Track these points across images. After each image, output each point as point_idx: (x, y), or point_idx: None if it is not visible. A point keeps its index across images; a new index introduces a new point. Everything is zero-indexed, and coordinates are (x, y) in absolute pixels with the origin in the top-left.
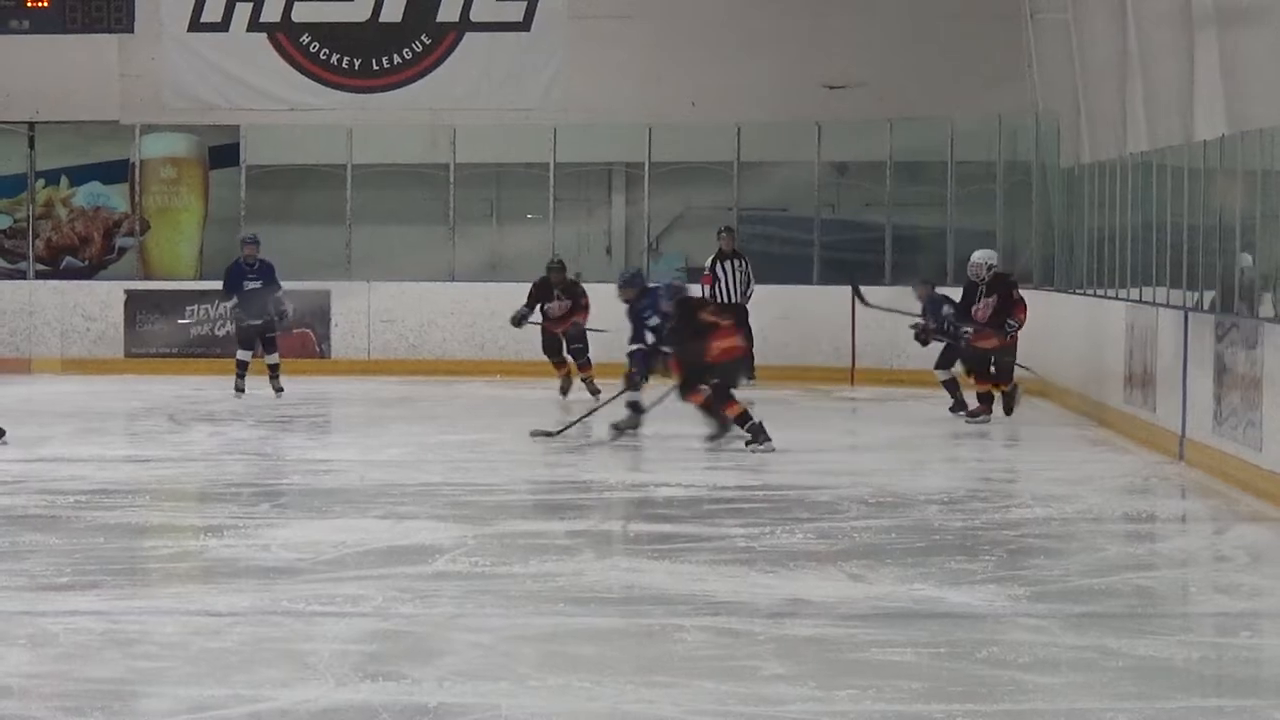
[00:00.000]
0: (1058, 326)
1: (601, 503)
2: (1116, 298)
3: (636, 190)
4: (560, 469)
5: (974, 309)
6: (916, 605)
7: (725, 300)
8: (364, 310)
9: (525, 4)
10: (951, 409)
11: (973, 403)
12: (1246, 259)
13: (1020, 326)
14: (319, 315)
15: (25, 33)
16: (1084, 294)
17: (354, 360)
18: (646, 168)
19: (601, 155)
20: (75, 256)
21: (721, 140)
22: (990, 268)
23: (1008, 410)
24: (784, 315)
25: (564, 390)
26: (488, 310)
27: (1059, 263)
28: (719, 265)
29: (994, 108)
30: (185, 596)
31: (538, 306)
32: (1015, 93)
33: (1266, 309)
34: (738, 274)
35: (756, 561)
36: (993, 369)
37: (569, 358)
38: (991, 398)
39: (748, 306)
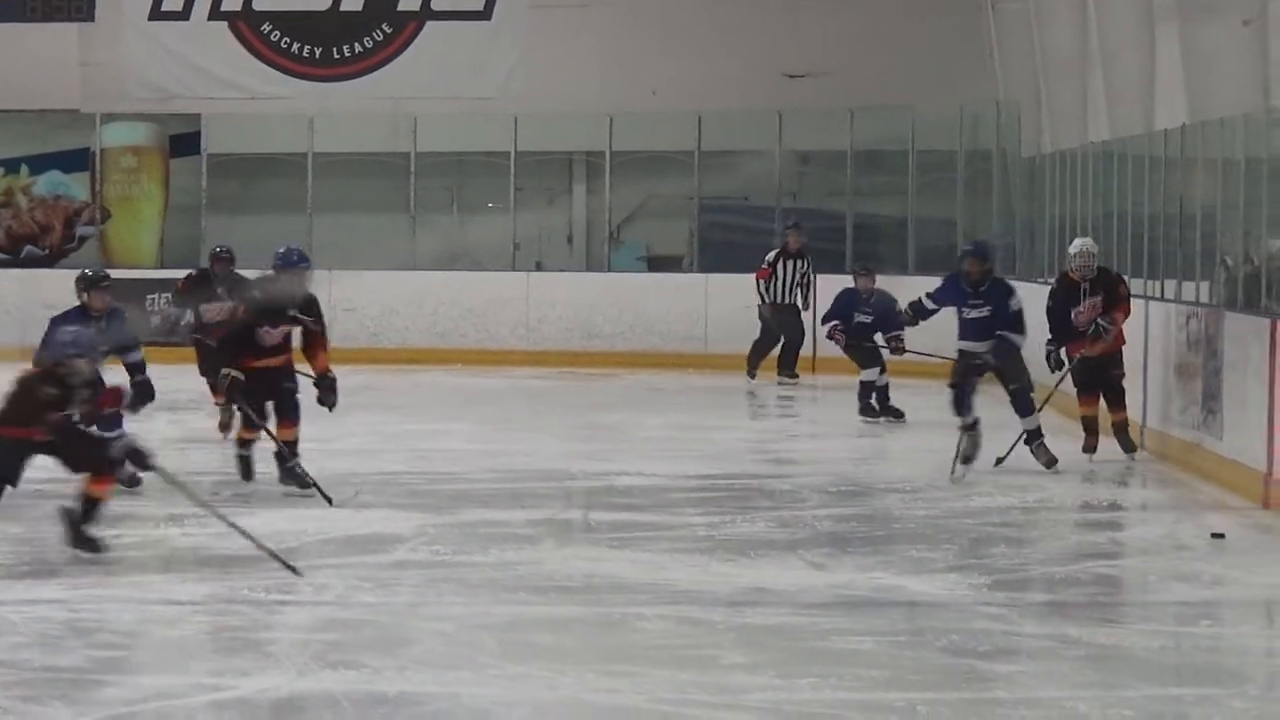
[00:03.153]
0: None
1: (562, 491)
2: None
3: (598, 179)
4: (521, 458)
5: (1074, 311)
6: (877, 594)
7: (779, 300)
8: (325, 299)
9: None
10: (862, 412)
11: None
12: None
13: (1116, 327)
14: None
15: None
16: (1045, 283)
17: None
18: (608, 157)
19: (563, 144)
20: (36, 245)
21: (683, 129)
22: (1094, 256)
23: (1127, 447)
24: (747, 304)
25: (224, 426)
26: (449, 299)
27: (1020, 251)
28: (781, 262)
29: (955, 97)
30: (146, 585)
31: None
32: (977, 82)
33: (1224, 296)
34: (796, 274)
35: (717, 550)
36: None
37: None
38: (1093, 421)
39: (799, 305)
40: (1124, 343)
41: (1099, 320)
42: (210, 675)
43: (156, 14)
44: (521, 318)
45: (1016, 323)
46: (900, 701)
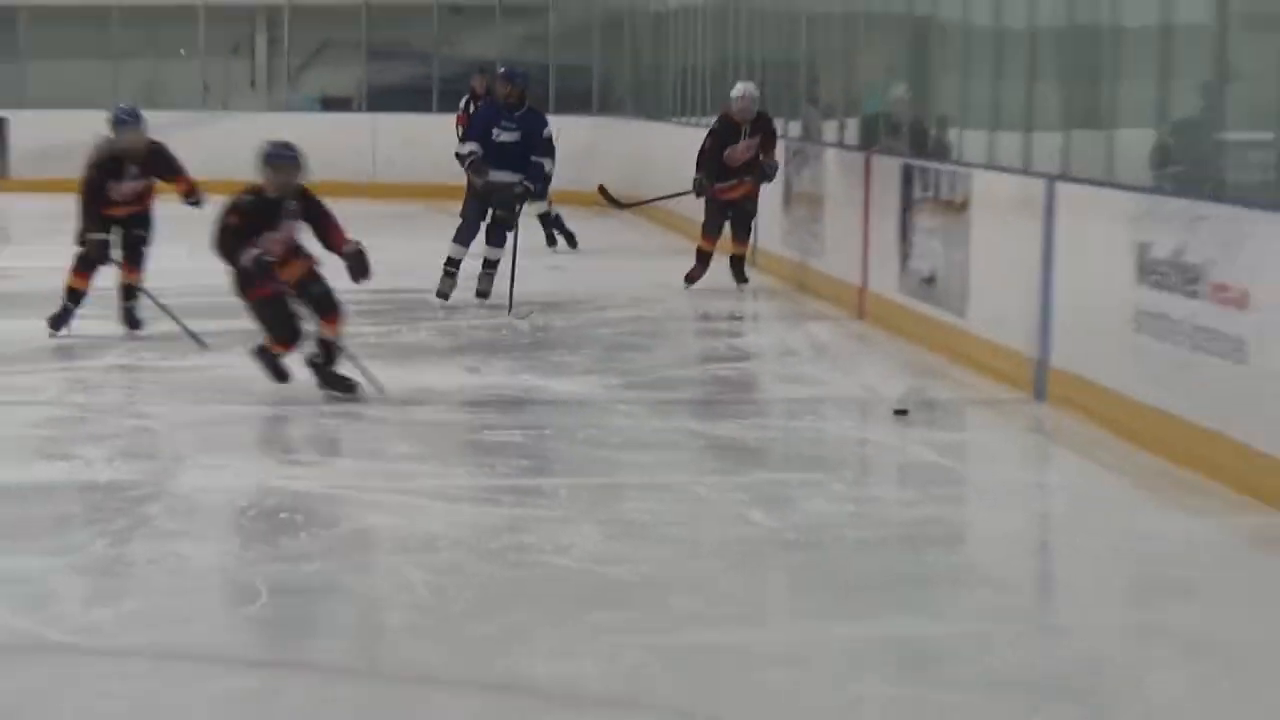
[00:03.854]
0: (648, 152)
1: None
2: (698, 125)
3: (278, 30)
4: (211, 277)
5: (727, 151)
6: (524, 393)
7: None
8: (35, 136)
9: None
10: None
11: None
12: (900, 89)
13: (778, 164)
14: None
15: None
16: (671, 121)
17: (33, 179)
18: (286, 10)
19: None
20: None
21: None
22: (756, 100)
23: (740, 278)
24: (407, 141)
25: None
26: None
27: (648, 96)
28: (472, 106)
29: None
30: None
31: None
32: None
33: (830, 135)
34: None
35: (386, 356)
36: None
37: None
38: (709, 258)
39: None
40: (769, 177)
41: (765, 164)
42: None
43: None
44: (212, 152)
45: (547, 147)
46: (546, 485)
